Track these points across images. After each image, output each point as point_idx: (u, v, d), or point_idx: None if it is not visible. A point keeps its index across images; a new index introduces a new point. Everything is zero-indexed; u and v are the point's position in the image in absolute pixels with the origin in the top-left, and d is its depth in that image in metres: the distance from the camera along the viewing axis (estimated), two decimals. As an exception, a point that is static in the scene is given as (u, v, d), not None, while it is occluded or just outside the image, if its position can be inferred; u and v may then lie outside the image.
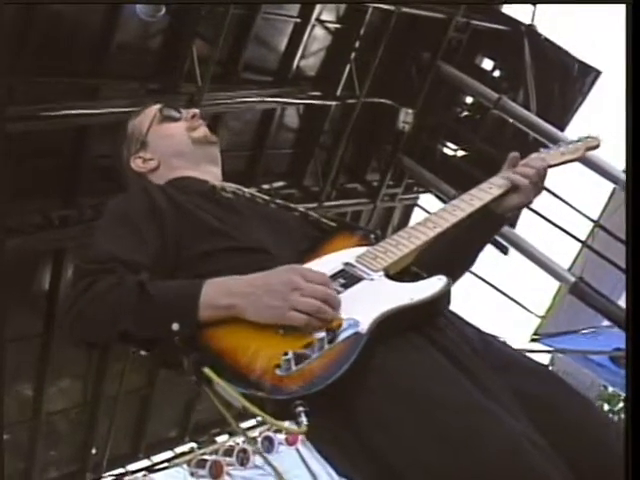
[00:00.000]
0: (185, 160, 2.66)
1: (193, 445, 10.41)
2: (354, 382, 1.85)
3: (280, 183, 9.87)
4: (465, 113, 11.61)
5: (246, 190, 2.60)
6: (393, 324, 1.96)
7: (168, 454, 10.18)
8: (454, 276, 2.27)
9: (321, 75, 9.69)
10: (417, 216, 12.44)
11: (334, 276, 2.09)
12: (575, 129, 10.76)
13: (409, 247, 2.21)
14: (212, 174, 2.66)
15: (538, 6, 11.03)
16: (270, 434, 10.68)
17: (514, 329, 12.07)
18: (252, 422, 10.94)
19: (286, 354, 1.83)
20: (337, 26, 9.48)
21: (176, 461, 10.04)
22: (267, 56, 9.03)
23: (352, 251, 2.24)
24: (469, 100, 11.41)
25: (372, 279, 2.10)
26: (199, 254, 2.23)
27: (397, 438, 1.88)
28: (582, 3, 6.66)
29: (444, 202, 11.06)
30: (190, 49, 7.60)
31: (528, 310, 12.22)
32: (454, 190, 11.10)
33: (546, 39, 10.98)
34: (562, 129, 10.37)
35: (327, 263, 2.17)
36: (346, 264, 2.15)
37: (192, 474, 9.93)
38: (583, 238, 11.19)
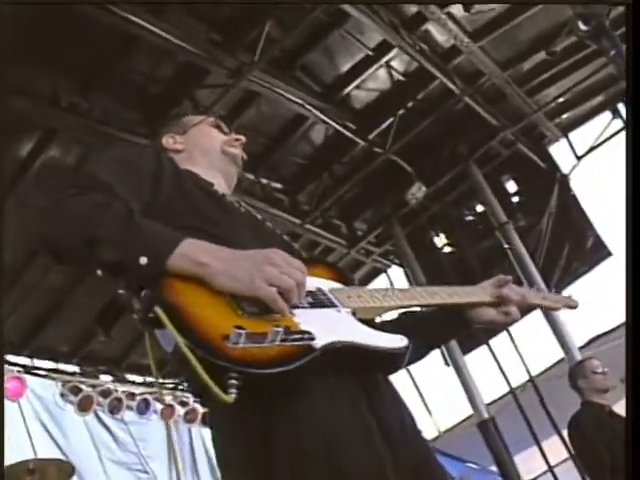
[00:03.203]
0: (206, 160, 2.70)
1: (77, 369, 10.10)
2: (286, 391, 1.89)
3: (277, 185, 9.71)
4: (470, 218, 11.47)
5: (243, 204, 2.61)
6: (345, 356, 1.97)
7: (50, 364, 9.86)
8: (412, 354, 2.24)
9: (364, 112, 9.58)
10: (380, 282, 12.36)
11: (305, 293, 2.06)
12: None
13: (381, 304, 2.24)
14: (220, 184, 2.64)
15: (583, 161, 11.04)
16: (149, 398, 10.38)
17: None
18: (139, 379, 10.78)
19: (240, 328, 1.81)
20: (401, 78, 9.39)
21: (54, 375, 9.72)
22: (326, 69, 8.91)
23: (327, 282, 2.26)
24: (479, 208, 11.27)
25: (339, 311, 2.12)
26: (180, 229, 2.12)
27: (297, 472, 1.89)
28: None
29: (409, 280, 11.13)
30: (264, 23, 7.45)
31: (432, 417, 12.08)
32: (424, 277, 11.04)
33: (575, 197, 10.95)
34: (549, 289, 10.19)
35: None
36: (319, 289, 2.17)
37: (62, 395, 9.61)
38: (514, 384, 11.02)
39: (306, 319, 1.98)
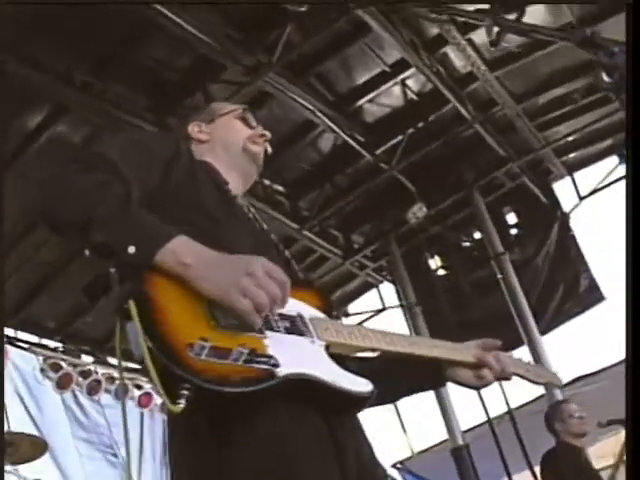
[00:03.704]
0: (227, 156, 2.64)
1: (60, 346, 10.05)
2: (246, 410, 1.87)
3: (279, 187, 9.69)
4: (467, 244, 11.44)
5: (253, 210, 2.59)
6: (305, 389, 1.95)
7: (34, 338, 9.82)
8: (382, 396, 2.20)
9: (374, 127, 9.57)
10: (370, 296, 12.29)
11: (284, 317, 2.08)
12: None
13: (358, 342, 2.22)
14: (237, 183, 2.61)
15: (585, 201, 11.02)
16: (128, 384, 10.34)
17: (388, 446, 11.81)
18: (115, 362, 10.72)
19: (205, 340, 1.81)
20: (415, 97, 9.38)
21: (36, 349, 9.67)
22: (341, 79, 8.89)
23: (310, 309, 2.22)
24: (477, 236, 11.24)
25: (313, 342, 2.10)
26: (180, 223, 2.10)
27: None
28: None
29: (399, 298, 11.11)
30: (286, 25, 7.45)
31: (406, 436, 12.01)
32: (415, 297, 11.02)
33: (573, 236, 10.93)
34: (541, 330, 10.20)
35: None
36: (300, 315, 2.14)
37: (42, 370, 9.57)
38: (493, 415, 10.97)
39: (277, 344, 1.96)
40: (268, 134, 2.74)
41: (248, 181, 2.70)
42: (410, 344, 2.39)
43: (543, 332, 10.10)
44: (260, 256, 1.97)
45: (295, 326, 2.09)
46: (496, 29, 2.14)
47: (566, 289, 10.74)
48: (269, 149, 2.74)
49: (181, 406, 1.74)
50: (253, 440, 1.90)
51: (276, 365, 1.88)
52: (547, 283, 10.75)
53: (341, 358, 2.15)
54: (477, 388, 2.63)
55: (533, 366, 2.83)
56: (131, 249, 1.88)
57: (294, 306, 2.11)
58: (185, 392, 1.74)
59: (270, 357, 1.89)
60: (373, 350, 2.29)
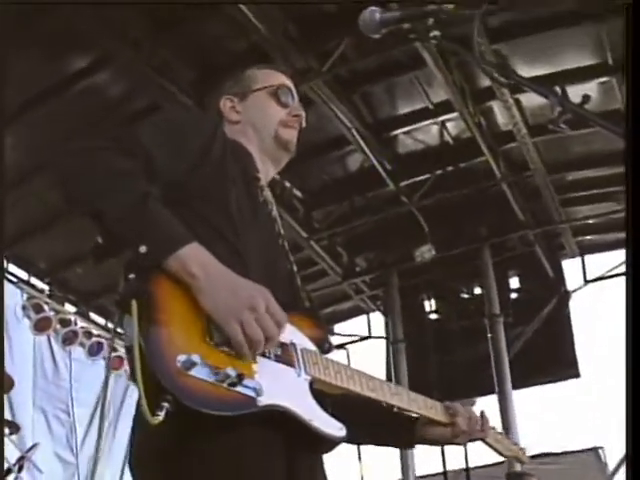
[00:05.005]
0: (258, 140, 2.54)
1: (46, 289, 9.98)
2: (216, 426, 1.83)
3: (297, 192, 9.60)
4: (465, 296, 11.33)
5: (275, 209, 2.50)
6: (278, 422, 1.95)
7: (23, 274, 9.75)
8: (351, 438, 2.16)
9: (404, 159, 9.51)
10: (359, 321, 12.21)
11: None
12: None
13: (342, 384, 2.20)
14: (267, 171, 2.57)
15: (589, 285, 10.93)
16: (104, 343, 10.26)
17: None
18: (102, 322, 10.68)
19: (196, 355, 1.80)
20: (450, 141, 9.31)
21: (23, 286, 9.60)
22: (384, 104, 8.85)
23: (304, 340, 2.19)
24: (477, 291, 11.13)
25: (299, 375, 2.08)
26: (195, 217, 2.12)
27: None
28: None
29: (387, 331, 10.99)
30: (343, 38, 7.39)
31: (360, 465, 11.87)
32: (402, 333, 10.92)
33: (569, 316, 10.89)
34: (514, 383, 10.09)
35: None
36: (292, 344, 2.12)
37: (24, 308, 9.50)
38: (450, 467, 10.85)
39: (265, 370, 1.95)
40: (302, 113, 2.63)
41: (278, 167, 2.64)
42: (392, 394, 2.38)
43: (515, 386, 9.98)
44: (265, 288, 1.95)
45: (286, 355, 2.07)
46: (559, 109, 2.06)
47: (546, 357, 10.62)
48: (304, 123, 2.64)
49: (159, 419, 1.71)
50: (212, 453, 1.88)
51: (259, 394, 1.87)
52: (530, 347, 10.60)
53: (323, 394, 2.13)
54: (444, 444, 2.68)
55: (503, 437, 2.82)
56: (142, 248, 1.86)
57: (289, 333, 2.08)
58: (166, 404, 1.72)
59: (256, 384, 1.88)
60: (355, 394, 2.26)
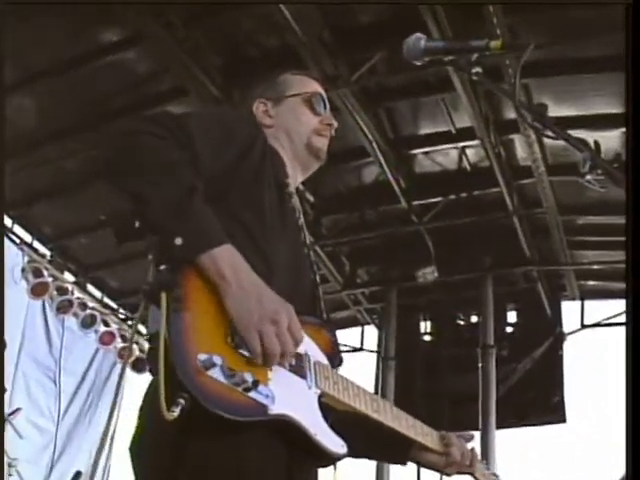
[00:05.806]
0: (290, 147, 2.55)
1: (48, 254, 9.92)
2: (218, 429, 1.81)
3: (309, 196, 9.53)
4: (461, 323, 11.27)
5: (302, 219, 2.51)
6: (284, 431, 1.94)
7: (27, 237, 9.70)
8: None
9: (419, 179, 9.42)
10: (353, 332, 12.18)
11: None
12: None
13: (348, 401, 2.22)
14: (295, 176, 2.57)
15: (586, 330, 10.82)
16: (97, 316, 10.25)
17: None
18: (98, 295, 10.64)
19: (217, 357, 1.79)
20: (468, 168, 9.25)
21: (25, 248, 9.53)
22: (407, 122, 8.78)
23: (317, 352, 2.20)
24: (474, 319, 11.07)
25: (310, 388, 2.09)
26: (226, 217, 2.09)
27: None
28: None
29: (379, 346, 10.92)
30: (375, 52, 7.37)
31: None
32: (394, 350, 10.87)
33: (561, 357, 10.79)
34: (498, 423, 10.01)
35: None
36: (307, 356, 2.13)
37: (23, 270, 9.42)
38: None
39: (279, 380, 1.95)
40: (335, 123, 2.67)
41: (307, 173, 2.65)
42: (392, 417, 2.40)
43: (499, 425, 9.90)
44: (290, 305, 1.95)
45: (299, 366, 2.08)
46: (589, 163, 2.04)
47: (534, 398, 10.58)
48: (335, 126, 2.67)
49: (175, 415, 1.70)
50: (214, 453, 1.87)
51: (272, 402, 1.88)
52: (519, 387, 10.57)
53: (327, 406, 2.14)
54: (438, 471, 2.69)
55: (490, 474, 2.84)
56: (178, 240, 1.86)
57: (303, 343, 2.06)
58: (182, 401, 1.72)
59: (269, 392, 1.89)
60: (359, 412, 2.29)
